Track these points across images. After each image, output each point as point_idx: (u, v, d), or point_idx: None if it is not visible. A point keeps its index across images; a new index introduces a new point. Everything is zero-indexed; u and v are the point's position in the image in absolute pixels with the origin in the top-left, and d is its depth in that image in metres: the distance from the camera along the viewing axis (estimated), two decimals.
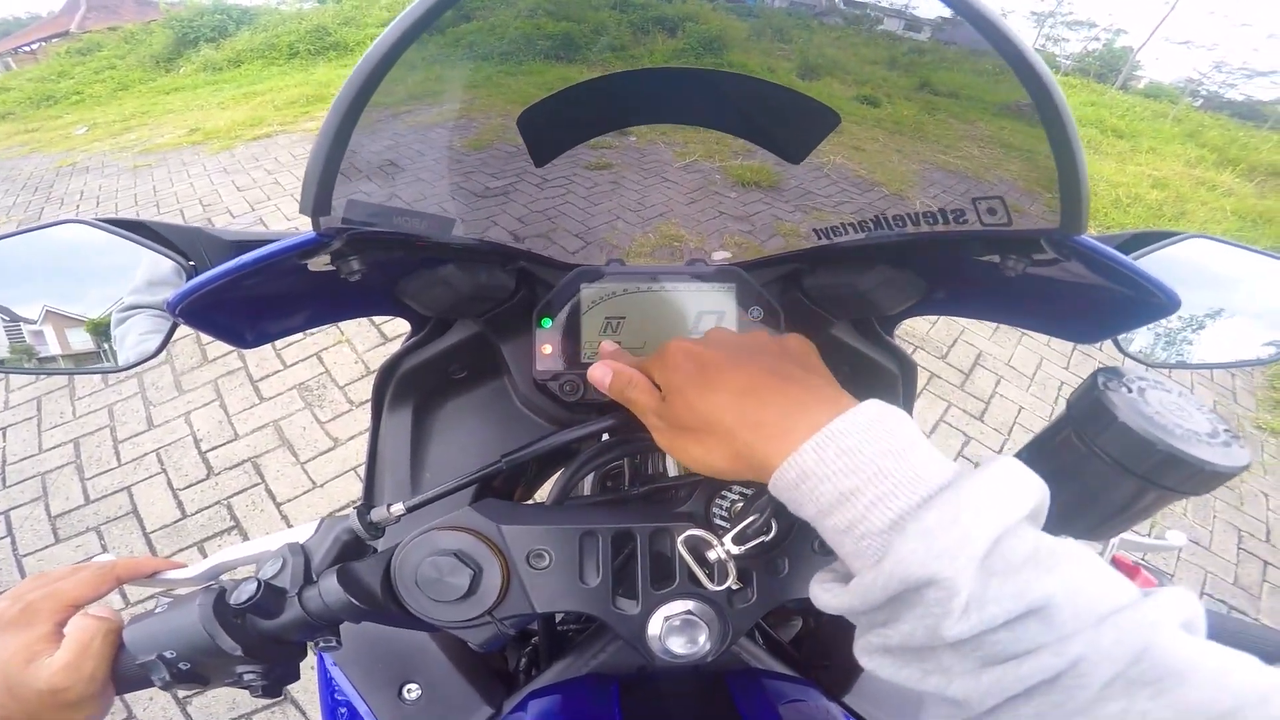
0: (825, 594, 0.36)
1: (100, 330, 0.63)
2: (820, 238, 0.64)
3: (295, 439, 2.40)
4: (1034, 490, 0.32)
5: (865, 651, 0.36)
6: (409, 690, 0.60)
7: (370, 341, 2.78)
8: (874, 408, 0.36)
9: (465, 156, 0.59)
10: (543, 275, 0.69)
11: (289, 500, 2.20)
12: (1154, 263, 0.60)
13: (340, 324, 2.84)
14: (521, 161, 0.60)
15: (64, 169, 5.19)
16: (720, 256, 0.75)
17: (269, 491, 2.23)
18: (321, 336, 2.80)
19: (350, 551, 0.50)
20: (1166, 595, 0.29)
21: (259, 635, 0.46)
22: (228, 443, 2.40)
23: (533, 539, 0.47)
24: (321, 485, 2.24)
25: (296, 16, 10.68)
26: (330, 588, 0.45)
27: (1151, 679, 0.27)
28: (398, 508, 0.51)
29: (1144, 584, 0.57)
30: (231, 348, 2.68)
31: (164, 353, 2.25)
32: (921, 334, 3.16)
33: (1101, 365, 0.40)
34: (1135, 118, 9.27)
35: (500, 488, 0.72)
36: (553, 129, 0.57)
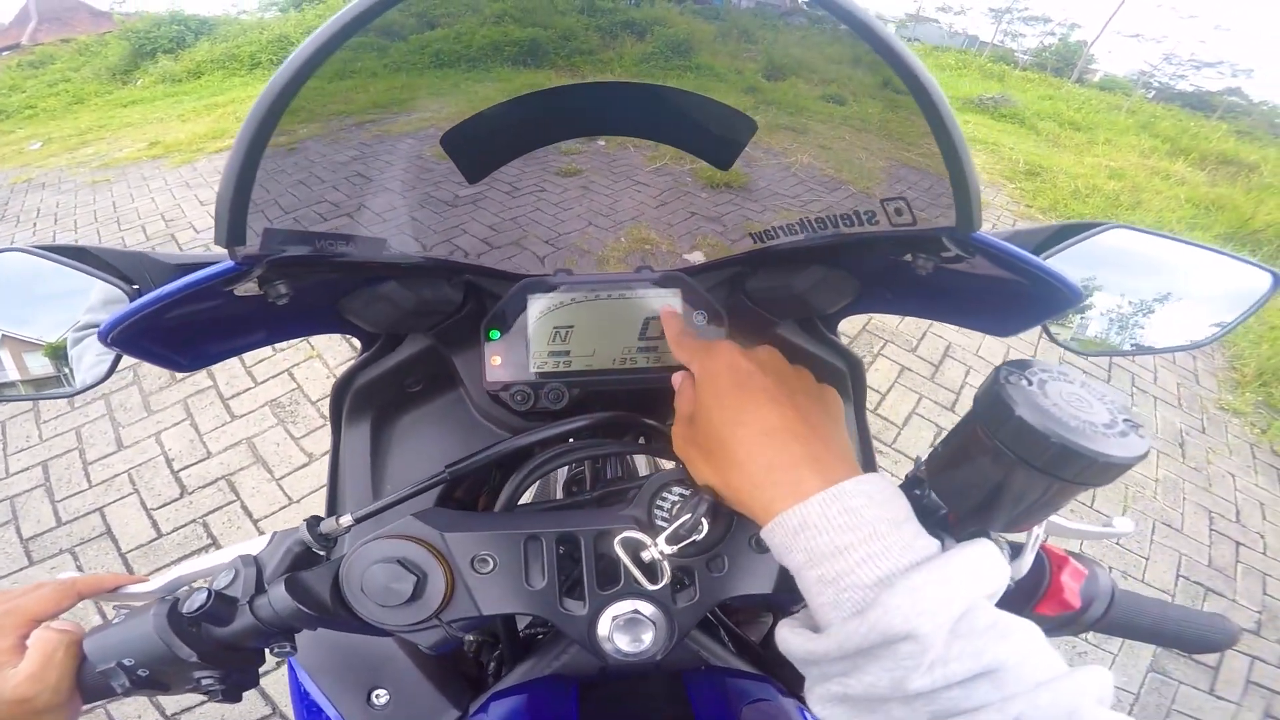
0: (796, 638, 0.39)
1: (58, 354, 0.62)
2: (756, 241, 0.66)
3: (269, 455, 2.37)
4: (1002, 572, 0.36)
5: (821, 700, 0.38)
6: (378, 696, 0.62)
7: (342, 356, 2.75)
8: (880, 479, 0.40)
9: (403, 174, 0.59)
10: (490, 287, 0.70)
11: (265, 516, 2.17)
12: (1079, 253, 0.62)
13: (311, 340, 2.81)
14: (458, 178, 0.60)
15: (19, 185, 5.03)
16: (692, 258, 0.76)
17: (245, 508, 2.20)
18: (292, 352, 2.77)
19: (302, 562, 0.52)
20: (1089, 671, 0.33)
21: (214, 642, 0.48)
22: (200, 461, 2.36)
23: (476, 544, 0.49)
24: (298, 500, 2.21)
25: (257, 26, 10.46)
26: (279, 596, 0.47)
27: None
28: (346, 519, 0.53)
29: (1074, 575, 0.58)
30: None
31: (131, 374, 2.19)
32: (891, 328, 3.22)
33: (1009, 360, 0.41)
34: (1091, 110, 9.53)
35: (463, 497, 0.73)
36: (481, 147, 0.58)
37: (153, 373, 2.69)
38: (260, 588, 0.49)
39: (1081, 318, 0.70)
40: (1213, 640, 0.62)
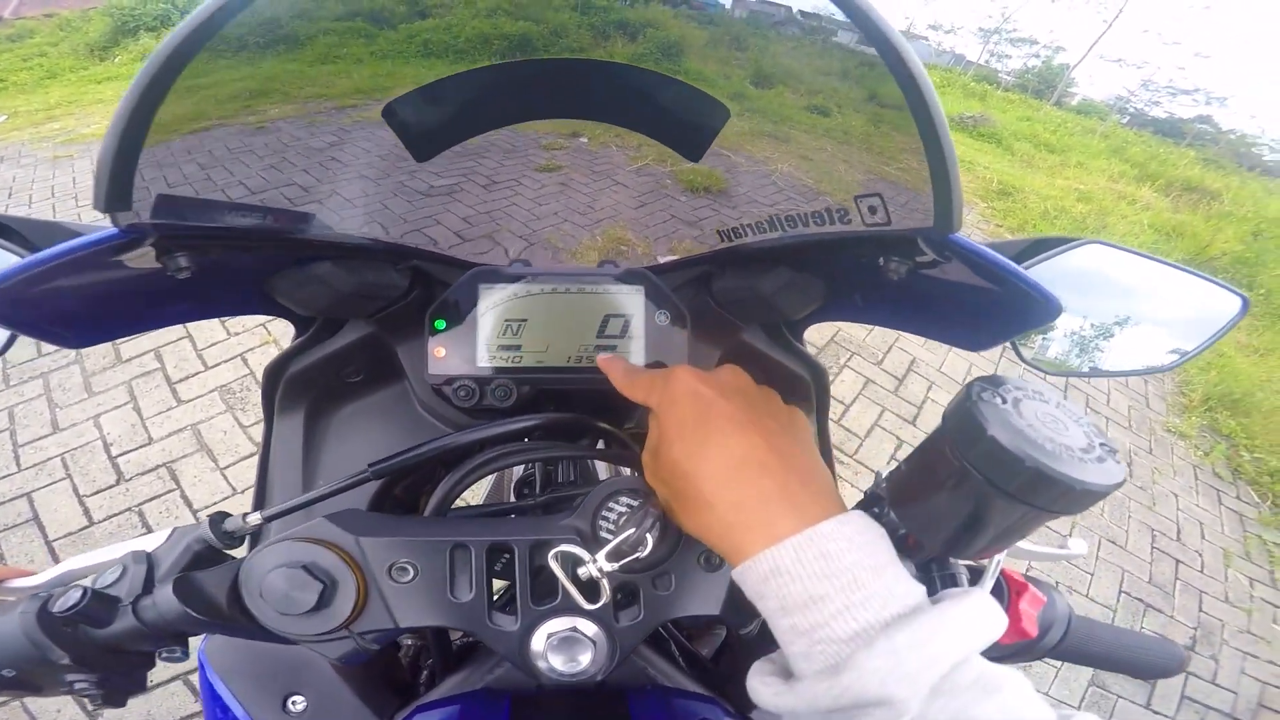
0: (765, 689, 0.36)
1: None
2: (723, 239, 0.64)
3: (215, 443, 2.30)
4: (998, 627, 0.33)
5: None
6: (294, 702, 0.58)
7: None
8: (860, 519, 0.36)
9: (347, 151, 0.56)
10: (440, 275, 0.66)
11: (205, 507, 2.09)
12: (1052, 268, 0.60)
13: (268, 325, 2.75)
14: (406, 159, 0.57)
15: None
16: (663, 259, 0.74)
17: (185, 497, 2.12)
18: (247, 337, 2.69)
19: (202, 562, 0.48)
20: None
21: (90, 645, 0.44)
22: (141, 447, 2.28)
23: (394, 551, 0.45)
24: (242, 491, 2.14)
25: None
26: (165, 597, 0.43)
27: None
28: (254, 517, 0.50)
29: (1033, 602, 0.56)
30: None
31: (74, 353, 2.09)
32: (859, 341, 3.24)
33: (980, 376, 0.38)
34: (1066, 133, 9.74)
35: (403, 497, 0.69)
36: (431, 122, 0.55)
37: (96, 352, 2.58)
38: (148, 587, 0.45)
39: (1045, 337, 0.68)
40: (1162, 666, 0.61)
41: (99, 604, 0.43)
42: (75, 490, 2.14)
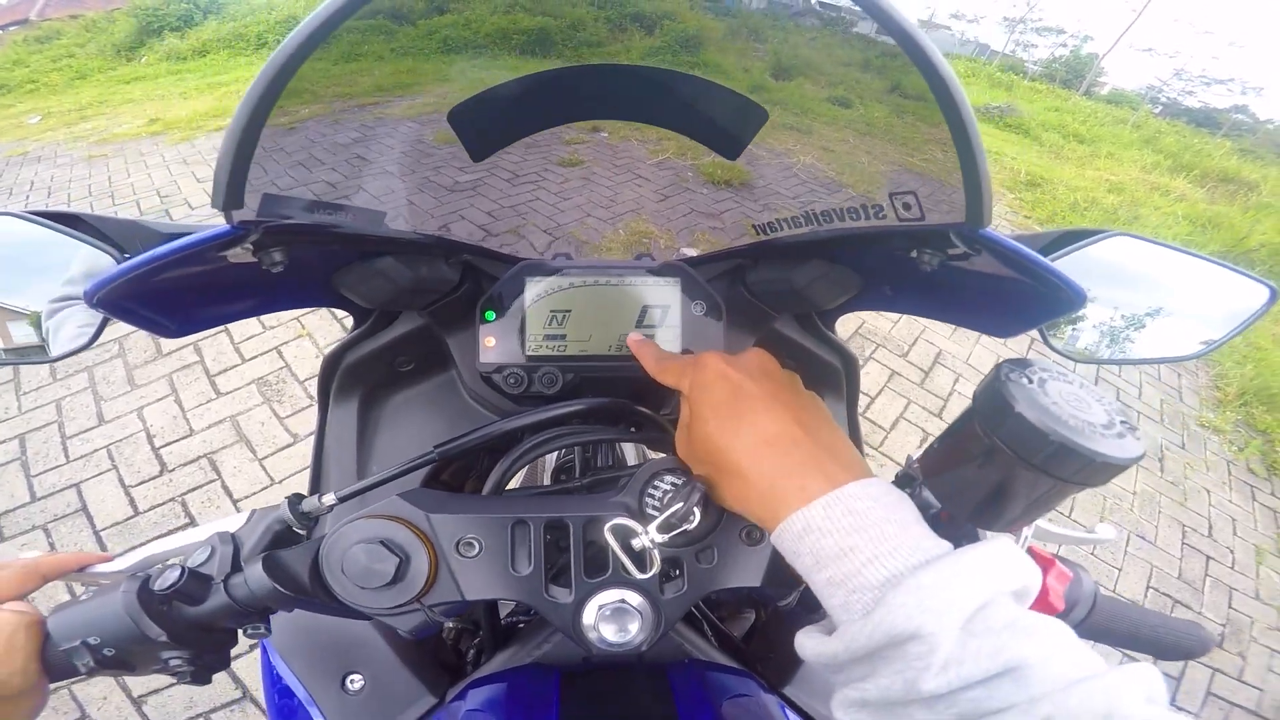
0: (810, 641, 0.38)
1: (36, 323, 0.61)
2: (760, 233, 0.66)
3: (253, 434, 2.36)
4: (1023, 571, 0.35)
5: (842, 706, 0.37)
6: (352, 680, 0.61)
7: (332, 335, 2.73)
8: (884, 484, 0.40)
9: (405, 155, 0.59)
10: (488, 269, 0.70)
11: (246, 497, 2.16)
12: (1080, 259, 0.61)
13: (302, 318, 2.81)
14: (459, 161, 0.60)
15: (14, 158, 4.98)
16: (688, 252, 0.77)
17: (225, 488, 2.19)
18: (282, 331, 2.75)
19: (281, 541, 0.51)
20: (1130, 670, 0.31)
21: (184, 622, 0.47)
22: (182, 438, 2.35)
23: (462, 527, 0.49)
24: (280, 481, 2.20)
25: (266, 6, 10.41)
26: (256, 575, 0.46)
27: None
28: (329, 498, 0.52)
29: (1060, 577, 0.59)
30: (189, 342, 2.62)
31: (117, 346, 2.16)
32: (884, 333, 3.22)
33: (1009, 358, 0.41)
34: (1096, 123, 9.54)
35: (449, 480, 0.73)
36: (489, 125, 0.58)
37: (138, 346, 2.67)
38: (236, 566, 0.48)
39: (1073, 326, 0.70)
40: (1187, 647, 0.62)
41: (195, 582, 0.46)
42: (121, 481, 2.21)
